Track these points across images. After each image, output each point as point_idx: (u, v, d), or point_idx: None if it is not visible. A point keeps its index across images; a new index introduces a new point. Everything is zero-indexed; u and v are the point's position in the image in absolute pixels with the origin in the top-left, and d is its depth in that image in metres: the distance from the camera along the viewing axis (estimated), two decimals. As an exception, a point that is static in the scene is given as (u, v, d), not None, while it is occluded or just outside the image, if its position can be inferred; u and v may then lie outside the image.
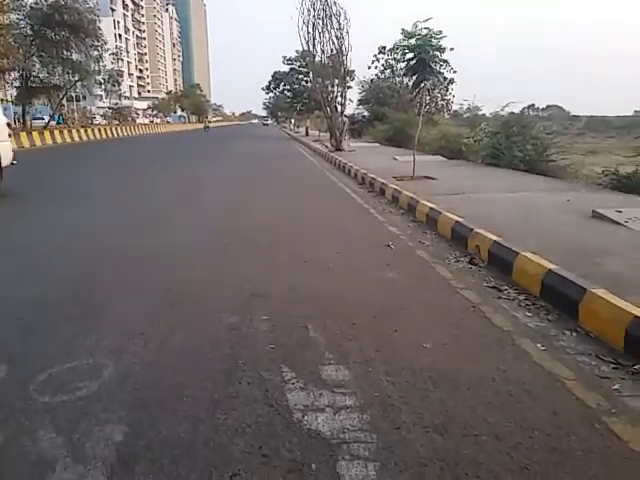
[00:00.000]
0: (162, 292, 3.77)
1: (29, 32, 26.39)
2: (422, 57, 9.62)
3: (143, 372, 2.55)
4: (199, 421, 2.14)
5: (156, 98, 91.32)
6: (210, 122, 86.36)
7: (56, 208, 7.46)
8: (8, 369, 2.55)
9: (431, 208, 6.51)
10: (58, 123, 34.12)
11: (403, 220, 6.81)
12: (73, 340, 2.90)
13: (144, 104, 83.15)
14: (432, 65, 9.74)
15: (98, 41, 28.68)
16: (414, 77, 10.71)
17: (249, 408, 2.24)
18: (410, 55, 10.17)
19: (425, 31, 9.67)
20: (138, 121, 60.17)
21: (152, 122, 63.00)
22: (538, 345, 2.94)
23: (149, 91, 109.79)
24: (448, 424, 2.13)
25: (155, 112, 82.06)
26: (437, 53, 9.66)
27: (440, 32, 9.69)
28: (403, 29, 10.09)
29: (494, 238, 4.67)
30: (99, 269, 4.41)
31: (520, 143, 12.23)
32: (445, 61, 9.97)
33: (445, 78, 10.58)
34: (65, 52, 27.26)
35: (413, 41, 9.79)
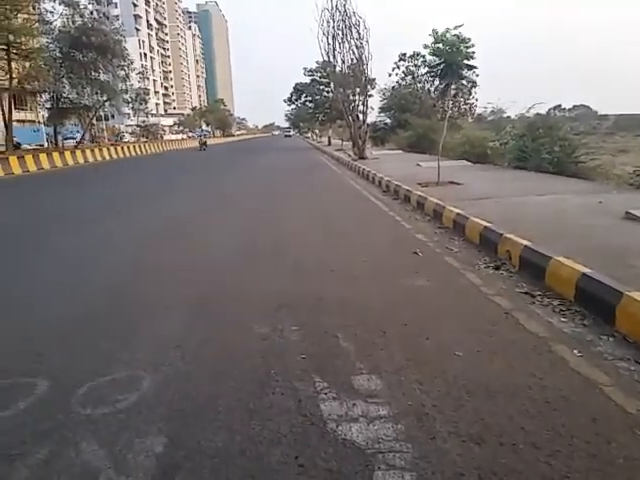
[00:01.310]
0: (194, 305, 3.85)
1: (58, 55, 27.48)
2: (450, 62, 9.49)
3: (180, 383, 2.61)
4: (235, 431, 2.18)
5: (182, 114, 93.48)
6: (234, 135, 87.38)
7: (83, 226, 7.70)
8: (50, 384, 2.65)
9: (458, 214, 6.45)
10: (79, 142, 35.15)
11: (430, 227, 6.77)
12: (111, 354, 2.99)
13: (170, 120, 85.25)
14: (460, 71, 9.61)
15: (125, 61, 29.63)
16: (437, 82, 10.62)
17: (283, 418, 2.27)
18: (437, 60, 10.02)
19: (454, 37, 9.53)
20: (166, 137, 61.68)
21: (181, 138, 64.20)
22: (575, 351, 2.88)
23: (174, 108, 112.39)
24: (484, 433, 2.10)
25: (181, 128, 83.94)
26: (465, 59, 9.50)
27: (469, 39, 9.55)
28: (434, 29, 9.91)
29: (525, 243, 4.60)
30: (132, 285, 4.53)
31: (547, 145, 12.00)
32: (472, 67, 9.70)
33: (469, 82, 10.40)
34: (93, 73, 28.27)
35: (441, 46, 9.66)
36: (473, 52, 9.67)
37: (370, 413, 2.28)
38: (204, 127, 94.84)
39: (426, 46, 10.07)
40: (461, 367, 2.70)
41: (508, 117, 20.49)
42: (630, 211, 5.60)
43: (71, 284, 4.57)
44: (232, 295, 4.08)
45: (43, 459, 2.05)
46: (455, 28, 9.53)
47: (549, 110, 17.46)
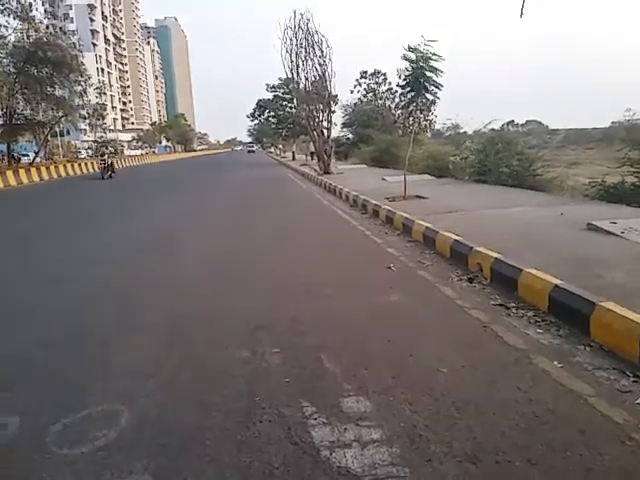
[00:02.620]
0: (165, 328, 3.70)
1: (12, 70, 26.41)
2: (418, 75, 9.69)
3: (160, 416, 2.48)
4: (225, 465, 2.08)
5: (141, 129, 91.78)
6: (195, 150, 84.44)
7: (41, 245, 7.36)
8: (20, 421, 2.46)
9: (427, 227, 6.55)
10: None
11: (400, 241, 6.84)
12: (82, 386, 2.83)
13: (128, 136, 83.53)
14: (427, 85, 9.83)
15: (82, 76, 28.76)
16: (399, 99, 10.85)
17: (274, 448, 2.18)
18: (408, 71, 10.16)
19: (426, 49, 9.70)
20: (126, 153, 60.27)
21: (141, 154, 62.77)
22: (555, 363, 2.93)
23: (133, 123, 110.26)
24: (479, 452, 2.09)
25: (140, 144, 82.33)
26: (433, 75, 9.72)
27: (441, 56, 9.77)
28: (408, 45, 10.04)
29: (495, 255, 4.70)
30: (97, 307, 4.33)
31: (506, 159, 12.47)
32: (439, 85, 9.90)
33: (428, 100, 10.64)
34: (49, 88, 27.27)
35: (414, 56, 9.81)
36: (441, 72, 9.93)
37: (363, 437, 2.23)
38: (164, 142, 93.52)
39: (379, 70, 10.26)
40: (447, 384, 2.70)
41: (464, 132, 21.22)
42: (592, 222, 5.84)
43: (30, 307, 4.31)
44: (205, 317, 3.95)
45: (17, 507, 1.89)
46: (429, 41, 9.73)
47: (503, 125, 18.19)
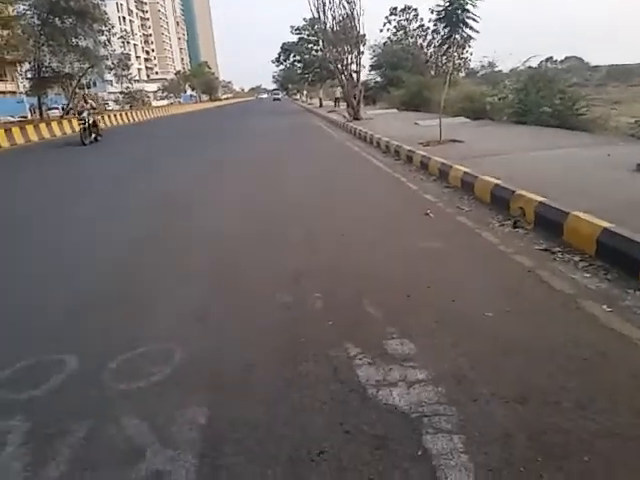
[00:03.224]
0: (209, 276, 3.78)
1: (37, 22, 26.17)
2: (456, 8, 9.03)
3: (211, 355, 2.57)
4: (275, 401, 2.16)
5: (165, 79, 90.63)
6: (221, 99, 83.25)
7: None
8: (78, 359, 2.60)
9: (465, 172, 6.35)
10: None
11: (436, 187, 6.67)
12: (136, 327, 2.95)
13: (154, 86, 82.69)
14: (465, 19, 9.17)
15: (105, 25, 28.29)
16: (442, 31, 10.09)
17: (322, 386, 2.24)
18: (442, 5, 9.52)
19: None
20: (153, 104, 60.15)
21: (169, 104, 62.45)
22: (603, 307, 2.86)
23: (157, 73, 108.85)
24: (526, 393, 2.09)
25: (165, 94, 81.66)
26: (470, 7, 9.04)
27: None
28: None
29: (539, 199, 4.54)
30: (144, 257, 4.45)
31: (548, 98, 11.80)
32: (478, 17, 9.19)
33: (463, 36, 9.94)
34: (74, 39, 27.01)
35: None
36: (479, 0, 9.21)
37: (408, 377, 2.26)
38: (189, 92, 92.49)
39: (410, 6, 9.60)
40: (492, 327, 2.68)
41: (499, 71, 20.09)
42: (641, 163, 5.53)
43: (81, 260, 4.47)
44: (249, 265, 4.01)
45: (83, 437, 2.02)
46: None
47: (541, 62, 17.11)
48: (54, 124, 23.01)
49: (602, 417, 1.93)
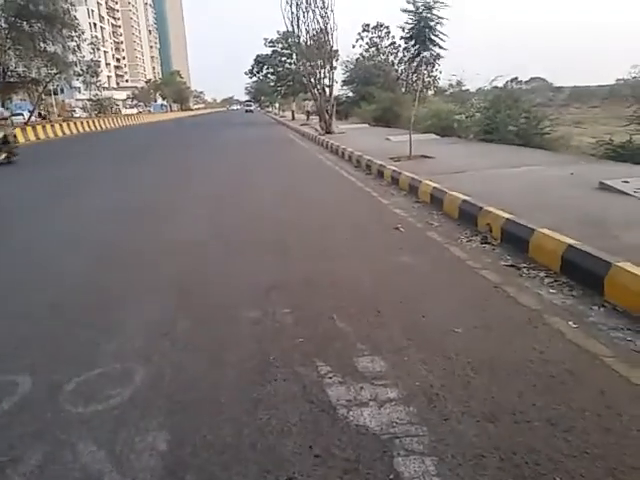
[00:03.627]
0: (175, 291, 3.66)
1: (3, 25, 25.47)
2: (423, 26, 9.23)
3: (175, 374, 2.47)
4: (242, 423, 2.07)
5: (135, 87, 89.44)
6: (192, 109, 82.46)
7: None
8: (33, 380, 2.45)
9: (435, 188, 6.44)
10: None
11: (407, 201, 6.73)
12: (96, 345, 2.81)
13: (123, 94, 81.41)
14: (432, 37, 9.40)
15: (75, 31, 27.79)
16: (402, 53, 10.38)
17: (290, 406, 2.18)
18: (409, 23, 9.70)
19: None
20: (124, 112, 59.15)
21: (137, 113, 61.49)
22: (569, 323, 2.90)
23: (127, 80, 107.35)
24: (497, 411, 2.08)
25: (135, 102, 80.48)
26: (437, 23, 9.25)
27: (444, 2, 9.28)
28: None
29: (506, 216, 4.62)
30: (107, 270, 4.29)
31: (513, 117, 12.18)
32: (444, 34, 9.41)
33: (433, 54, 10.19)
34: (42, 44, 26.40)
35: (413, 7, 9.34)
36: (446, 18, 9.43)
37: (379, 396, 2.22)
38: (160, 101, 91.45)
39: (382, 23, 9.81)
40: (461, 344, 2.68)
41: (467, 90, 20.66)
42: (604, 181, 5.73)
43: (40, 273, 4.27)
44: (216, 279, 3.91)
45: (37, 465, 1.89)
46: None
47: (507, 82, 17.70)
48: (17, 131, 22.20)
49: (572, 436, 1.93)
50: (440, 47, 9.52)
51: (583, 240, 3.73)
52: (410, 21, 9.44)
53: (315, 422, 2.06)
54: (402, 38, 10.24)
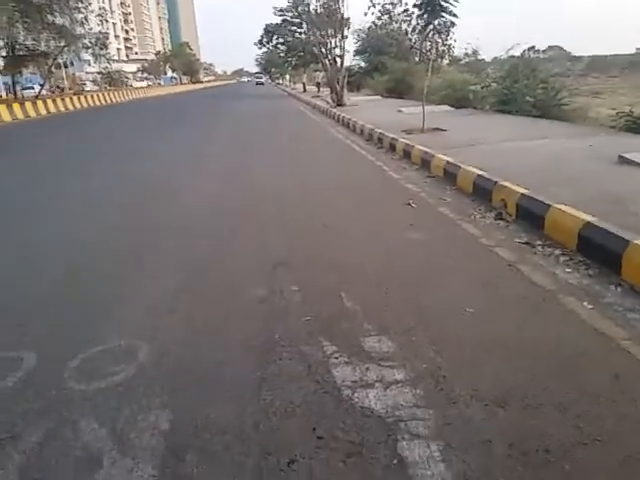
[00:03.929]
0: (182, 267, 3.62)
1: (11, -3, 25.07)
2: None
3: (179, 351, 2.44)
4: (245, 402, 2.04)
5: (145, 60, 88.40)
6: (202, 81, 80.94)
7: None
8: (37, 356, 2.44)
9: (448, 162, 6.27)
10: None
11: (419, 176, 6.58)
12: (100, 321, 2.79)
13: (133, 67, 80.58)
14: (442, 3, 9.09)
15: (82, 2, 27.33)
16: (417, 20, 10.10)
17: (295, 386, 2.13)
18: None
19: None
20: (135, 85, 58.77)
21: (148, 86, 60.99)
22: (584, 303, 2.81)
23: (136, 53, 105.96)
24: (507, 395, 2.02)
25: (145, 75, 79.70)
26: None
27: None
28: None
29: (521, 191, 4.47)
30: (113, 243, 4.26)
31: (531, 87, 11.78)
32: (455, 1, 9.20)
33: (446, 21, 9.88)
34: (49, 16, 26.00)
35: None
36: None
37: (385, 378, 2.16)
38: (170, 73, 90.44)
39: None
40: (473, 324, 2.60)
41: (482, 60, 20.01)
42: (623, 155, 5.51)
43: (46, 243, 4.26)
44: (220, 254, 3.86)
45: (38, 442, 1.88)
46: None
47: (524, 51, 17.08)
48: (28, 104, 22.17)
49: (584, 422, 1.86)
50: (452, 14, 9.21)
51: (601, 217, 3.59)
52: None
53: (319, 403, 2.02)
54: (415, 6, 9.92)
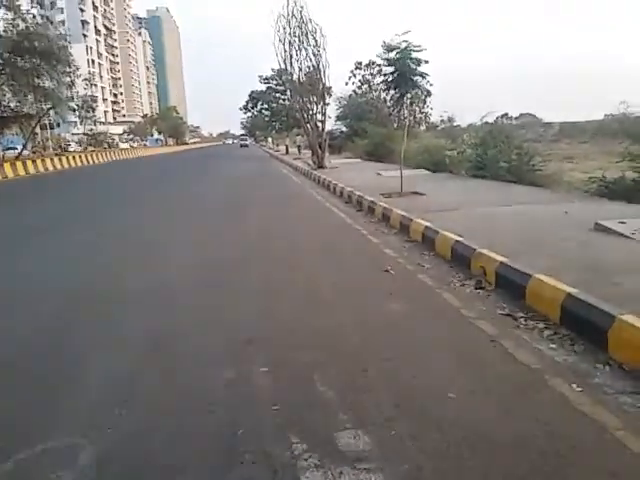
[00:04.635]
0: (145, 343, 3.36)
1: (-2, 60, 25.69)
2: (403, 70, 9.47)
3: (127, 453, 2.15)
4: (198, 522, 1.76)
5: (132, 122, 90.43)
6: (187, 143, 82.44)
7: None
8: (-37, 461, 2.13)
9: (426, 227, 6.23)
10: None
11: (397, 240, 6.52)
12: (44, 412, 2.49)
13: (120, 129, 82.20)
14: (413, 78, 9.59)
15: (70, 67, 28.08)
16: (394, 91, 10.54)
17: (257, 498, 1.87)
18: (390, 69, 10.03)
19: (404, 44, 9.57)
20: (121, 146, 59.71)
21: (132, 147, 62.07)
22: (573, 385, 2.63)
23: (124, 115, 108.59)
24: (497, 505, 1.78)
25: (131, 136, 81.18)
26: (416, 67, 9.53)
27: (419, 45, 9.61)
28: (384, 42, 9.96)
29: (500, 259, 4.40)
30: (71, 317, 3.97)
31: (505, 153, 12.16)
32: (425, 74, 9.77)
33: (425, 90, 10.43)
34: (36, 79, 26.53)
35: (393, 54, 9.68)
36: (425, 61, 9.69)
37: (361, 484, 1.91)
38: (156, 135, 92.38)
39: (378, 57, 10.24)
40: (456, 413, 2.39)
41: (457, 126, 20.87)
42: (600, 222, 5.55)
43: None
44: (191, 327, 3.62)
45: None
46: (403, 34, 9.53)
47: (497, 118, 17.88)
48: (7, 165, 22.08)
49: (584, 537, 1.63)
50: (418, 87, 9.80)
51: (582, 286, 3.50)
52: (389, 62, 9.72)
53: (284, 520, 1.76)
54: (384, 82, 10.55)
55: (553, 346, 3.14)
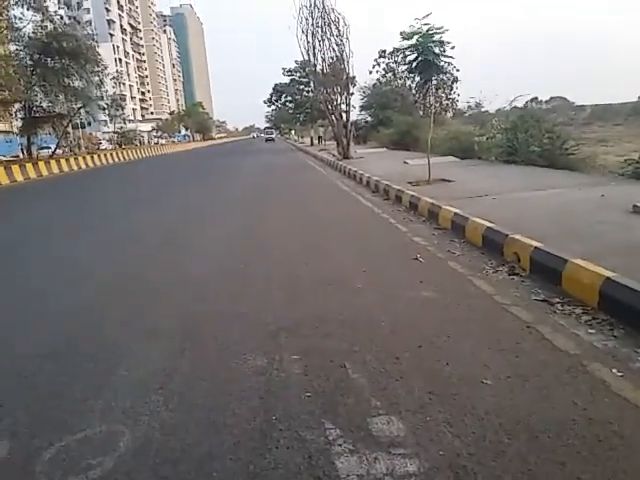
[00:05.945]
0: (178, 334, 3.41)
1: (29, 62, 26.47)
2: (426, 56, 9.24)
3: (164, 440, 2.19)
4: (235, 505, 1.78)
5: (159, 119, 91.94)
6: (214, 138, 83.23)
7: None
8: (10, 445, 2.21)
9: (456, 214, 6.12)
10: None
11: (426, 228, 6.43)
12: (83, 401, 2.56)
13: (148, 126, 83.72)
14: (437, 63, 9.34)
15: (98, 66, 28.74)
16: (418, 78, 10.31)
17: (292, 482, 1.88)
18: (413, 56, 9.80)
19: (425, 27, 9.30)
20: (152, 142, 60.93)
21: (160, 144, 63.31)
22: (613, 370, 2.55)
23: (152, 113, 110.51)
24: (537, 491, 1.74)
25: (159, 133, 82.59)
26: (440, 49, 9.24)
27: (441, 27, 9.32)
28: (402, 32, 9.77)
29: (535, 244, 4.28)
30: (107, 308, 4.08)
31: (536, 137, 11.82)
32: (450, 57, 9.48)
33: (452, 75, 10.17)
34: (66, 79, 27.28)
35: (414, 40, 9.42)
36: (452, 46, 9.43)
37: (397, 470, 1.90)
38: (183, 131, 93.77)
39: (398, 49, 10.04)
40: (492, 399, 2.34)
41: (486, 112, 20.36)
42: (638, 204, 5.33)
43: (32, 312, 4.10)
44: (221, 318, 3.66)
45: None
46: (424, 17, 9.26)
47: (526, 103, 17.35)
48: (41, 164, 22.81)
49: (630, 525, 1.58)
50: (445, 73, 9.52)
51: (621, 271, 3.37)
52: (413, 48, 9.47)
53: (320, 505, 1.76)
54: (410, 71, 10.27)
55: (592, 331, 3.04)
